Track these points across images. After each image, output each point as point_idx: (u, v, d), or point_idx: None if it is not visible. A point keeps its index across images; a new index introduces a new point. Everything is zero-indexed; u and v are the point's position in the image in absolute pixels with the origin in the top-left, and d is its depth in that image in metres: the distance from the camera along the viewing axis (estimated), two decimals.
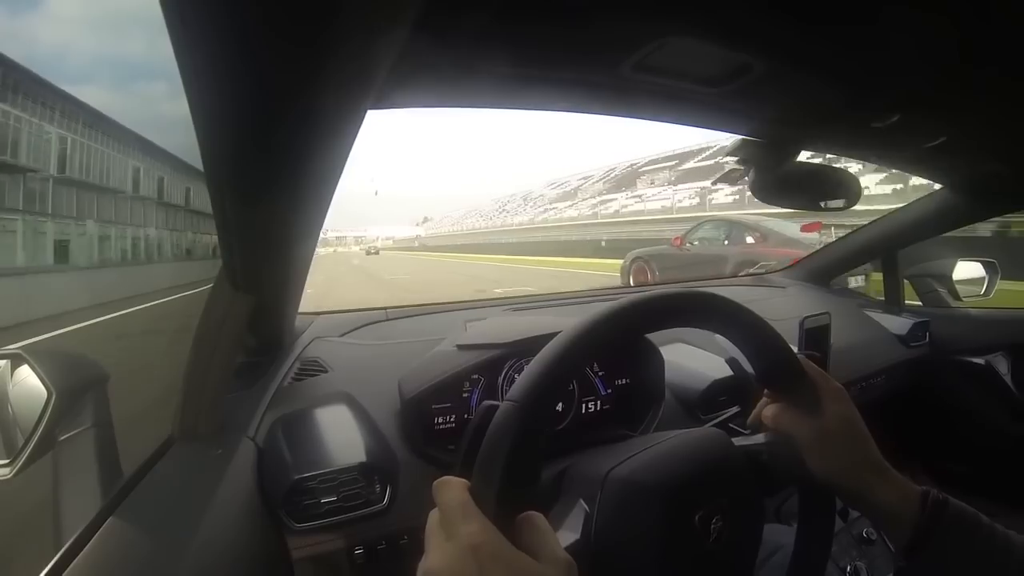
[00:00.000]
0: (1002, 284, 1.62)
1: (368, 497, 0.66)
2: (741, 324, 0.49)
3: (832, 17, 0.49)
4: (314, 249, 0.73)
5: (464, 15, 0.44)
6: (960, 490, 0.53)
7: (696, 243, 7.34)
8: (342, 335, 0.99)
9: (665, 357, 0.87)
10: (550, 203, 42.81)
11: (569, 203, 38.42)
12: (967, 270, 1.63)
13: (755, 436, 0.54)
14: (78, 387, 0.64)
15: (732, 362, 0.85)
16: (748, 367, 0.53)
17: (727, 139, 0.87)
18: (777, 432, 0.52)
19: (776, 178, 0.90)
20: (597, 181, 39.63)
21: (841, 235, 1.78)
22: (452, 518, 0.33)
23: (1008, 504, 1.27)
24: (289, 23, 0.29)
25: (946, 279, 1.61)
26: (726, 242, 6.87)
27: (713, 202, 20.24)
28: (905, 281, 1.67)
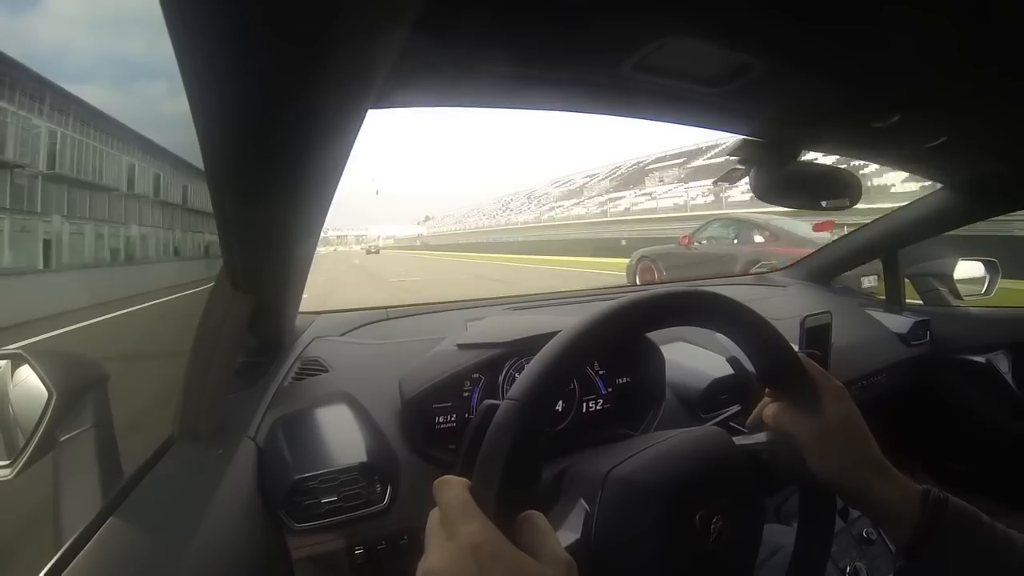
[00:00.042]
0: (1003, 283, 1.62)
1: (368, 497, 0.66)
2: (742, 323, 0.49)
3: (832, 17, 0.49)
4: (315, 249, 0.73)
5: (464, 15, 0.44)
6: (961, 489, 0.53)
7: (704, 242, 7.20)
8: (342, 335, 0.99)
9: (666, 356, 0.87)
10: (555, 201, 42.60)
11: (575, 201, 38.18)
12: (968, 269, 1.63)
13: (756, 435, 0.54)
14: (78, 387, 0.64)
15: (733, 361, 0.86)
16: (749, 366, 0.53)
17: (735, 136, 0.87)
18: (778, 431, 0.52)
19: (777, 178, 0.89)
20: (603, 179, 39.47)
21: None
22: (452, 517, 0.33)
23: (1009, 503, 1.27)
24: (289, 23, 0.29)
25: (947, 278, 1.61)
26: (735, 241, 6.74)
27: (730, 199, 19.45)
28: (906, 280, 1.67)
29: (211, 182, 0.44)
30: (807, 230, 5.70)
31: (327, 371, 0.85)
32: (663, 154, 34.51)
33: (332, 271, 17.03)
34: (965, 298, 1.61)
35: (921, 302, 1.67)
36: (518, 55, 0.54)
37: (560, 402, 0.83)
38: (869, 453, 0.49)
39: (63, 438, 0.60)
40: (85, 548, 0.48)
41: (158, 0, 0.26)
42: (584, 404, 0.85)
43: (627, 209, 27.92)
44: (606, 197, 33.80)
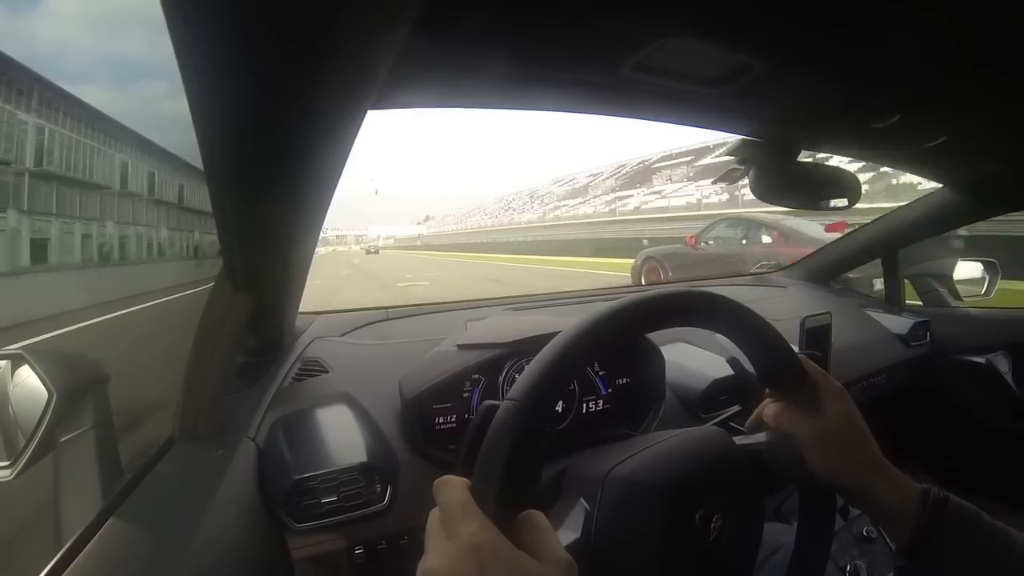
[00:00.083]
0: (1002, 284, 1.62)
1: (368, 497, 0.66)
2: (742, 324, 0.49)
3: (832, 17, 0.49)
4: (314, 249, 0.73)
5: (464, 15, 0.44)
6: (961, 489, 0.53)
7: (711, 242, 7.05)
8: (342, 335, 0.99)
9: (666, 356, 0.87)
10: (559, 200, 42.35)
11: (580, 200, 37.90)
12: (967, 270, 1.63)
13: (756, 435, 0.54)
14: (78, 387, 0.64)
15: (733, 361, 0.86)
16: (749, 367, 0.53)
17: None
18: (778, 431, 0.52)
19: (776, 178, 0.90)
20: (608, 178, 39.30)
21: None
22: (452, 517, 0.33)
23: (1009, 502, 1.27)
24: (289, 23, 0.29)
25: (947, 279, 1.61)
26: (744, 241, 6.58)
27: (745, 197, 18.11)
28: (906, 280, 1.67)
29: (211, 182, 0.44)
30: (817, 230, 5.53)
31: (327, 371, 0.86)
32: (669, 152, 34.22)
33: (330, 274, 16.04)
34: (965, 299, 1.61)
35: (921, 303, 1.67)
36: (518, 55, 0.54)
37: (560, 402, 0.83)
38: (869, 453, 0.49)
39: (63, 438, 0.60)
40: (85, 548, 0.48)
41: (158, 0, 0.26)
42: (584, 404, 0.85)
43: (637, 208, 27.49)
44: (613, 196, 33.45)
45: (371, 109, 0.49)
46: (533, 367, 0.38)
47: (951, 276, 1.61)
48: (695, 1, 0.46)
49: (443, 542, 0.32)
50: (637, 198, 29.57)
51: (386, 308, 1.14)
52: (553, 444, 0.71)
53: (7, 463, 0.59)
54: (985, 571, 0.44)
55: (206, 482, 0.60)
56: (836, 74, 0.61)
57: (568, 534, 0.44)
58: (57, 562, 0.46)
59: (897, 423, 1.53)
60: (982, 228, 1.52)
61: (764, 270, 2.11)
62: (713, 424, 0.83)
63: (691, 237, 7.23)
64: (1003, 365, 1.46)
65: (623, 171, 38.24)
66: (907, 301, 1.67)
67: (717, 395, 0.94)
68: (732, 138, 0.87)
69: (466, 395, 0.79)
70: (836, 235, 1.74)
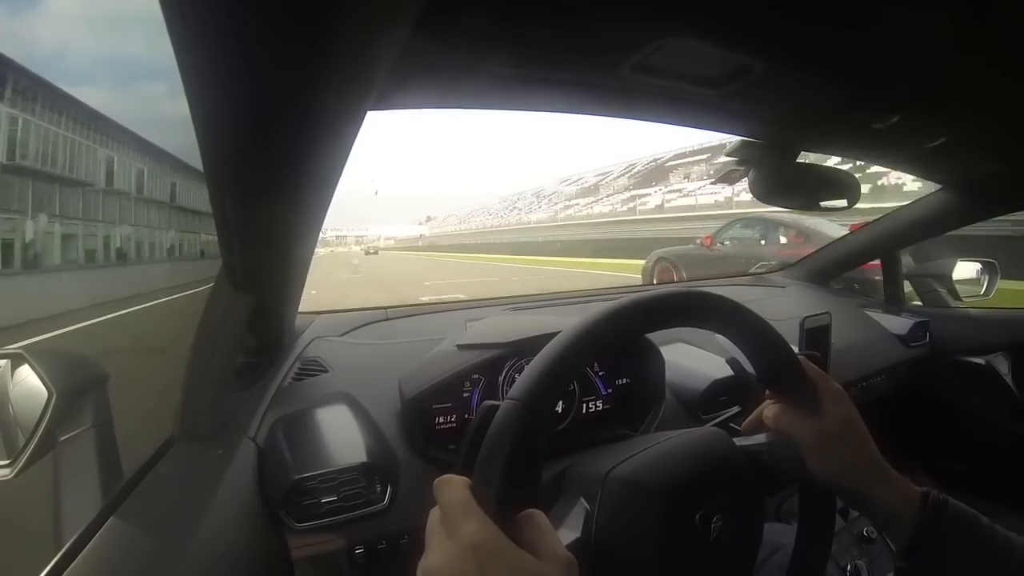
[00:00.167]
0: (1002, 284, 1.62)
1: (368, 497, 0.66)
2: (742, 324, 0.49)
3: (832, 18, 0.49)
4: (314, 249, 0.73)
5: (464, 15, 0.44)
6: (961, 490, 0.54)
7: (727, 243, 6.85)
8: (342, 335, 0.99)
9: (665, 357, 0.87)
10: (568, 200, 42.02)
11: (592, 199, 37.52)
12: (967, 270, 1.63)
13: (756, 436, 0.54)
14: (78, 387, 0.64)
15: (733, 362, 0.86)
16: (748, 367, 0.53)
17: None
18: (778, 432, 0.52)
19: (776, 178, 0.90)
20: (618, 177, 38.99)
21: None
22: (453, 516, 0.33)
23: (1008, 503, 1.27)
24: (289, 23, 0.29)
25: (946, 279, 1.61)
26: (762, 242, 6.38)
27: None
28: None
29: (211, 182, 0.44)
30: (838, 230, 5.22)
31: (327, 371, 0.86)
32: (682, 151, 33.81)
33: (327, 279, 14.15)
34: (964, 299, 1.61)
35: (920, 303, 1.67)
36: (518, 56, 0.54)
37: (560, 403, 0.83)
38: (868, 454, 0.49)
39: (63, 438, 0.60)
40: (86, 548, 0.48)
41: (158, 0, 0.26)
42: (584, 405, 0.86)
43: (659, 206, 26.78)
44: (629, 195, 32.94)
45: (371, 109, 0.49)
46: (533, 367, 0.38)
47: (950, 276, 1.60)
48: (695, 1, 0.46)
49: (444, 541, 0.32)
50: (657, 196, 28.93)
51: (386, 308, 1.14)
52: (553, 444, 0.71)
53: (7, 462, 0.59)
54: (984, 574, 0.44)
55: (206, 482, 0.60)
56: (836, 74, 0.61)
57: (568, 534, 0.44)
58: (57, 562, 0.46)
59: (897, 424, 1.53)
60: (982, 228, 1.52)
61: (764, 270, 2.11)
62: (713, 425, 0.83)
63: (707, 237, 7.01)
64: (1003, 366, 1.46)
65: (634, 170, 37.91)
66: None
67: (717, 396, 0.94)
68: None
69: (466, 395, 0.79)
70: None
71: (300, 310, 0.95)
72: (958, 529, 0.45)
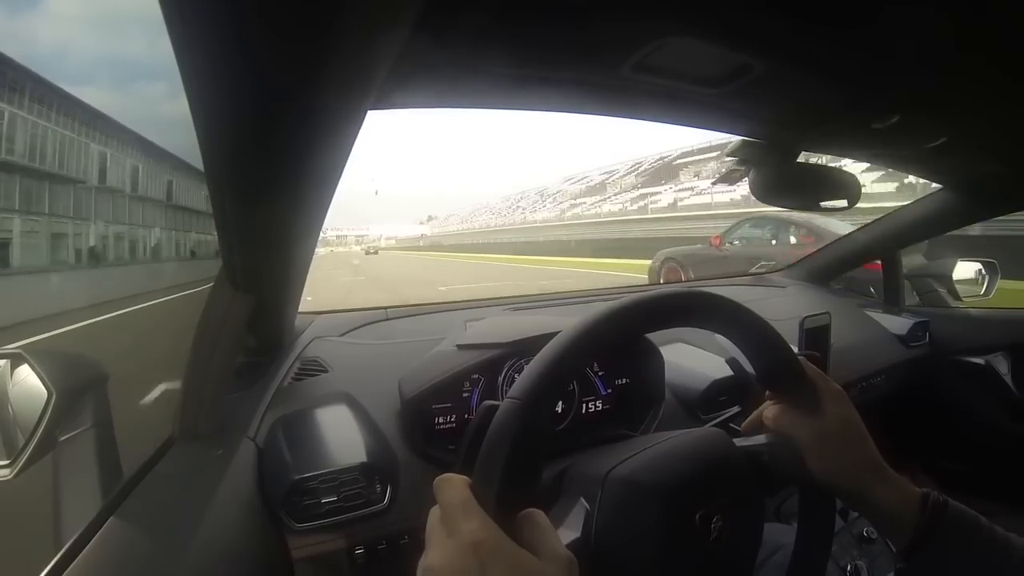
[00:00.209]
0: (1002, 284, 1.62)
1: (369, 497, 0.66)
2: (742, 324, 0.49)
3: (832, 18, 0.49)
4: (314, 249, 0.73)
5: (464, 15, 0.44)
6: (960, 490, 0.54)
7: (736, 242, 6.69)
8: (342, 335, 0.99)
9: (665, 357, 0.87)
10: (574, 198, 41.62)
11: (599, 198, 37.07)
12: (967, 270, 1.63)
13: (756, 436, 0.54)
14: (78, 387, 0.64)
15: (732, 362, 0.86)
16: (748, 367, 0.53)
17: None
18: (778, 433, 0.52)
19: (776, 178, 0.90)
20: (625, 175, 38.62)
21: None
22: (453, 515, 0.33)
23: (1008, 503, 1.27)
24: (289, 22, 0.29)
25: (946, 279, 1.61)
26: (773, 242, 6.24)
27: None
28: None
29: (211, 182, 0.44)
30: (850, 229, 5.27)
31: (327, 371, 0.86)
32: (689, 148, 33.28)
33: (328, 280, 13.33)
34: (964, 299, 1.61)
35: (920, 303, 1.67)
36: (518, 55, 0.54)
37: (560, 403, 0.83)
38: (868, 455, 0.49)
39: (63, 438, 0.60)
40: (86, 548, 0.48)
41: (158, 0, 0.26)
42: (584, 405, 0.86)
43: (672, 204, 26.05)
44: (638, 193, 32.40)
45: (371, 109, 0.49)
46: (534, 366, 0.38)
47: (950, 276, 1.60)
48: (695, 0, 0.46)
49: (444, 539, 0.32)
50: (669, 195, 28.33)
51: (386, 308, 1.14)
52: (553, 444, 0.71)
53: (6, 462, 0.59)
54: (984, 575, 0.44)
55: (206, 482, 0.60)
56: (836, 74, 0.61)
57: (568, 533, 0.44)
58: (57, 562, 0.46)
59: (896, 424, 1.53)
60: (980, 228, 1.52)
61: (764, 270, 2.11)
62: (712, 425, 0.83)
63: (716, 237, 6.85)
64: (1003, 366, 1.46)
65: (641, 168, 37.55)
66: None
67: (716, 396, 0.94)
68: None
69: (466, 395, 0.79)
70: None
71: (300, 310, 0.95)
72: (958, 530, 0.45)
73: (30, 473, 0.58)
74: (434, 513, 0.35)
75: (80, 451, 0.61)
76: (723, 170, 0.95)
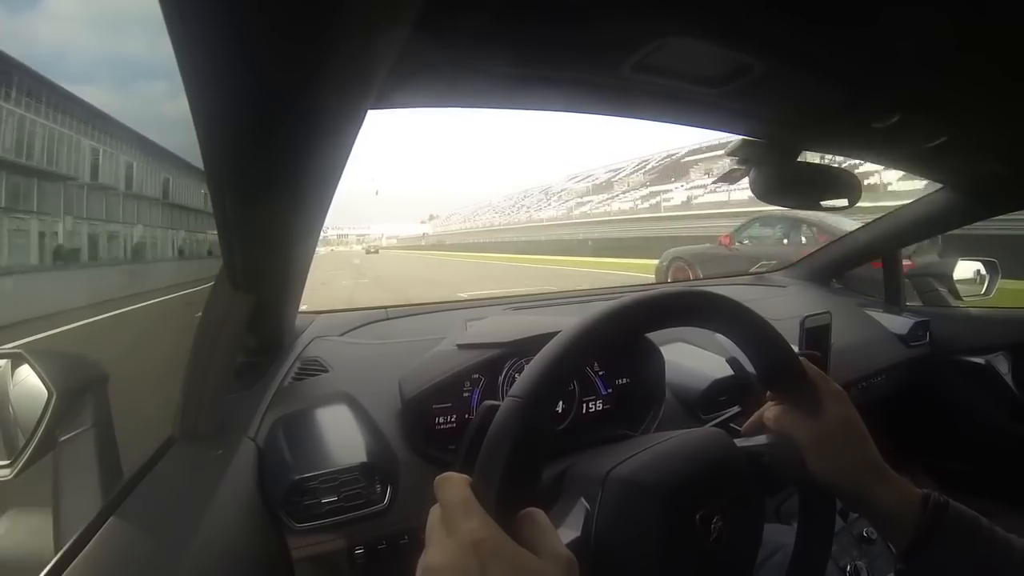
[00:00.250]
0: (1003, 283, 1.62)
1: (369, 497, 0.66)
2: (742, 323, 0.49)
3: (832, 18, 0.49)
4: (315, 248, 0.73)
5: (464, 15, 0.44)
6: (960, 490, 0.54)
7: (746, 242, 6.55)
8: (342, 334, 0.99)
9: (666, 356, 0.87)
10: (580, 197, 41.43)
11: (607, 196, 36.82)
12: (968, 269, 1.63)
13: (756, 437, 0.54)
14: (78, 387, 0.64)
15: (733, 362, 0.86)
16: (749, 367, 0.53)
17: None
18: (778, 433, 0.52)
19: (776, 178, 0.90)
20: (632, 173, 38.41)
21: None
22: (453, 514, 0.33)
23: (1008, 503, 1.27)
24: (289, 22, 0.29)
25: (946, 278, 1.61)
26: (785, 241, 6.07)
27: None
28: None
29: (211, 181, 0.44)
30: None
31: (327, 371, 0.86)
32: (697, 146, 33.06)
33: (328, 284, 12.02)
34: (965, 299, 1.61)
35: (920, 302, 1.67)
36: (518, 55, 0.54)
37: (560, 403, 0.83)
38: (868, 456, 0.49)
39: (63, 438, 0.61)
40: (85, 548, 0.48)
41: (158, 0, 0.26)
42: (584, 405, 0.85)
43: (686, 202, 25.53)
44: (647, 191, 32.06)
45: (371, 109, 0.49)
46: (534, 365, 0.38)
47: (951, 276, 1.60)
48: (695, 0, 0.46)
49: (444, 538, 0.32)
50: (681, 192, 27.90)
51: (386, 308, 1.14)
52: (553, 444, 0.71)
53: (7, 462, 0.59)
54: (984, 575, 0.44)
55: (206, 482, 0.59)
56: (836, 74, 0.61)
57: (568, 533, 0.44)
58: (57, 562, 0.46)
59: (897, 423, 1.53)
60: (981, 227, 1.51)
61: (764, 270, 2.11)
62: (713, 425, 0.83)
63: (725, 236, 6.69)
64: (1003, 366, 1.46)
65: (648, 166, 37.34)
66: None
67: (717, 395, 0.94)
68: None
69: (466, 395, 0.79)
70: None
71: (300, 310, 0.95)
72: (958, 531, 0.45)
73: (30, 473, 0.58)
74: (434, 512, 0.35)
75: (80, 451, 0.61)
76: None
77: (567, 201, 42.76)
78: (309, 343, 0.92)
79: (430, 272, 16.84)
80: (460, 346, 0.80)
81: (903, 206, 1.49)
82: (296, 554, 0.63)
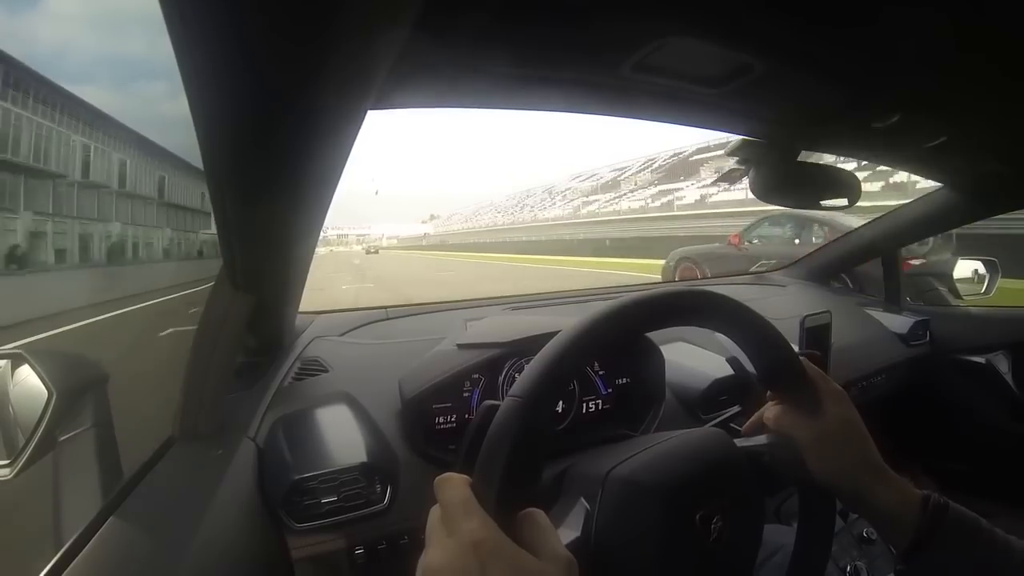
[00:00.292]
0: (1003, 283, 1.62)
1: (369, 497, 0.66)
2: (742, 323, 0.49)
3: (832, 17, 0.48)
4: (314, 248, 0.73)
5: (464, 15, 0.44)
6: (960, 489, 0.54)
7: (756, 241, 6.43)
8: (342, 334, 0.99)
9: (666, 356, 0.87)
10: (585, 196, 41.12)
11: (614, 195, 36.42)
12: (968, 268, 1.63)
13: (756, 436, 0.54)
14: (78, 387, 0.64)
15: (733, 361, 0.86)
16: (749, 366, 0.53)
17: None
18: (779, 433, 0.52)
19: (776, 178, 0.90)
20: (638, 172, 38.08)
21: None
22: (453, 514, 0.33)
23: (1008, 503, 1.28)
24: (289, 22, 0.29)
25: (947, 277, 1.61)
26: (796, 240, 5.95)
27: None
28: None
29: (211, 181, 0.44)
30: None
31: (327, 371, 0.86)
32: (705, 144, 32.56)
33: (325, 292, 10.37)
34: (965, 298, 1.61)
35: (920, 302, 1.67)
36: (518, 55, 0.54)
37: (560, 402, 0.83)
38: (868, 456, 0.49)
39: (63, 438, 0.60)
40: (85, 548, 0.48)
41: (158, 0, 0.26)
42: (584, 404, 0.85)
43: (700, 200, 24.73)
44: (657, 190, 31.48)
45: (371, 109, 0.49)
46: (534, 365, 0.38)
47: (951, 275, 1.60)
48: (695, 0, 0.46)
49: (444, 539, 0.32)
50: (694, 191, 27.16)
51: (386, 308, 1.14)
52: (553, 444, 0.71)
53: (6, 462, 0.59)
54: None
55: (206, 482, 0.60)
56: (836, 74, 0.61)
57: (568, 533, 0.44)
58: (57, 562, 0.46)
59: (897, 423, 1.53)
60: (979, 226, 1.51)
61: (763, 269, 2.11)
62: (713, 425, 0.83)
63: (734, 236, 6.56)
64: (1003, 365, 1.46)
65: (655, 164, 37.01)
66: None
67: (717, 395, 0.94)
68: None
69: (466, 395, 0.79)
70: None
71: (300, 310, 0.95)
72: (958, 532, 0.45)
73: (30, 473, 0.58)
74: (434, 512, 0.35)
75: (80, 451, 0.61)
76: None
77: (572, 200, 42.44)
78: (309, 343, 0.92)
79: (430, 272, 16.74)
80: (460, 346, 0.80)
81: (903, 205, 1.49)
82: (296, 554, 0.63)
